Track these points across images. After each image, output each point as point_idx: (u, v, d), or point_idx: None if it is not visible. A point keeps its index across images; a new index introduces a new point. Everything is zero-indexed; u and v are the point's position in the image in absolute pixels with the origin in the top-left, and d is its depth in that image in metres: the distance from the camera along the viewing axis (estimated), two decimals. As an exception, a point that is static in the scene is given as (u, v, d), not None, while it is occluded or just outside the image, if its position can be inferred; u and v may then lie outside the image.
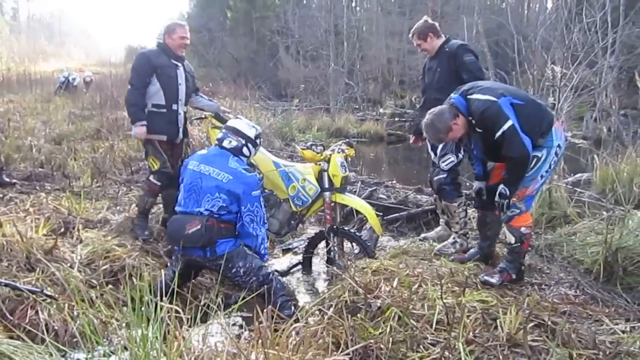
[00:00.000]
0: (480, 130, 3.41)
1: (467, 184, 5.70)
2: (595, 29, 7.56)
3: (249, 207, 3.56)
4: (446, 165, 4.30)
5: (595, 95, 10.36)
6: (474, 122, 3.39)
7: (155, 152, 4.58)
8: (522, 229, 3.46)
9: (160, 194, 4.78)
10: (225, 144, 3.73)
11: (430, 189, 5.11)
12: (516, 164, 3.36)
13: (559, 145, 3.45)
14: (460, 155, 4.32)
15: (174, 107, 4.60)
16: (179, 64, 4.64)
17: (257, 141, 3.88)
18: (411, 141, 4.95)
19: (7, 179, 6.35)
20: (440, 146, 4.27)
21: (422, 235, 4.82)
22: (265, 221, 3.80)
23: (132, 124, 4.55)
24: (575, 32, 6.89)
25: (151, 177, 4.63)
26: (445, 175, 4.31)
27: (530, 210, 3.66)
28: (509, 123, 3.23)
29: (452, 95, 3.50)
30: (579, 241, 4.20)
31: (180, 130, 4.71)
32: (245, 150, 3.77)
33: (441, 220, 4.68)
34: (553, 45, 7.77)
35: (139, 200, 4.73)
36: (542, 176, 3.47)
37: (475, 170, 3.75)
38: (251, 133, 3.82)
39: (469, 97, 3.39)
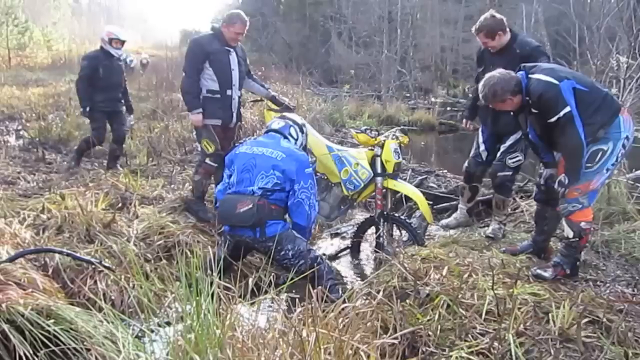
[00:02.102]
0: (536, 112, 3.31)
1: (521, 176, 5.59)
2: (666, 17, 7.16)
3: (303, 184, 3.61)
4: (514, 163, 4.29)
5: (661, 89, 9.85)
6: (530, 102, 3.29)
7: (209, 135, 4.64)
8: (582, 223, 3.34)
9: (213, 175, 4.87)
10: (274, 125, 3.97)
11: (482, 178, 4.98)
12: (569, 153, 3.25)
13: (627, 137, 3.27)
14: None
15: (228, 92, 4.64)
16: (231, 50, 4.66)
17: (303, 128, 4.07)
18: (463, 125, 5.02)
19: (119, 166, 6.42)
20: (510, 142, 4.28)
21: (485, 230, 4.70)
22: (316, 203, 3.85)
23: (189, 111, 4.65)
24: (644, 20, 6.55)
25: (207, 160, 4.70)
26: (511, 173, 4.33)
27: (591, 206, 3.53)
28: (566, 109, 3.10)
29: (517, 72, 3.39)
30: (638, 239, 4.04)
31: (235, 115, 4.76)
32: (292, 130, 3.95)
33: (494, 214, 4.58)
34: (618, 35, 7.43)
35: (197, 184, 4.76)
36: (607, 169, 3.31)
37: (545, 159, 3.59)
38: (297, 119, 4.08)
39: (530, 76, 3.28)
